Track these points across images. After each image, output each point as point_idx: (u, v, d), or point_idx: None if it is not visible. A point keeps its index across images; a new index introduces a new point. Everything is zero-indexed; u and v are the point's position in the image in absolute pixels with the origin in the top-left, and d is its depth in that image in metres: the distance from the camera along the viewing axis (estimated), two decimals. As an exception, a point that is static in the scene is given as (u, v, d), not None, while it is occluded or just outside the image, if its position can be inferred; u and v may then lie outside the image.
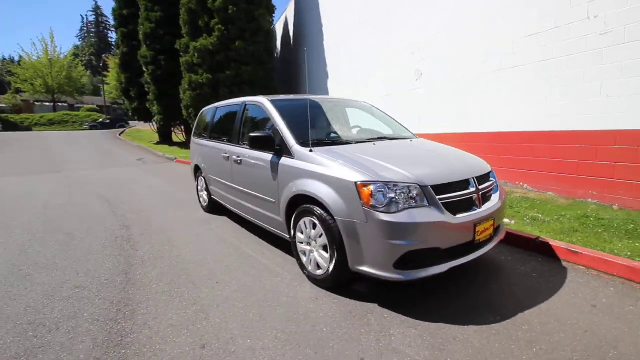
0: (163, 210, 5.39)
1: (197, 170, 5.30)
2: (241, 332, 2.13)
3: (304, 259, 2.81)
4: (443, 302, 2.39)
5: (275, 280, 2.84)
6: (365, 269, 2.29)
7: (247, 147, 3.53)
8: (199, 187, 5.28)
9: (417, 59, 7.13)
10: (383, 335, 2.05)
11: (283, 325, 2.19)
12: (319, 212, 2.53)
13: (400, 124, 3.99)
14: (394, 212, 2.18)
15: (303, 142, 2.89)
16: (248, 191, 3.55)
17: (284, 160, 2.92)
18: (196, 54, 12.72)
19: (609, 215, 3.71)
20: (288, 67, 15.67)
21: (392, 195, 2.22)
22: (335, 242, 2.41)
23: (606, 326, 2.07)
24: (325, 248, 2.55)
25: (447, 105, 6.37)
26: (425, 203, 2.24)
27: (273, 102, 3.40)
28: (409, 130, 3.86)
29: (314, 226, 2.62)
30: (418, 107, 7.20)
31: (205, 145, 4.78)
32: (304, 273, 2.83)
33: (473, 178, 2.52)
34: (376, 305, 2.39)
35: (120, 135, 25.79)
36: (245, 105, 3.80)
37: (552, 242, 3.07)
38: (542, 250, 3.11)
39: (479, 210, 2.43)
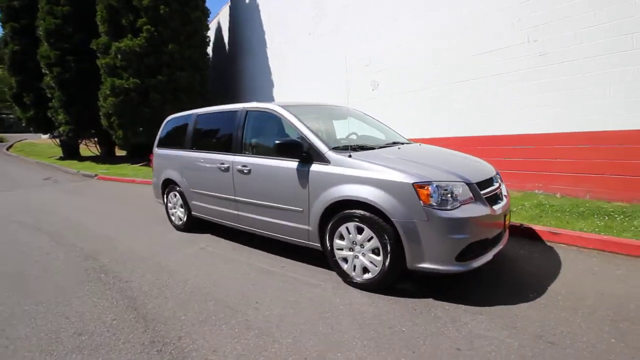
0: (124, 233, 4.66)
1: (167, 185, 4.73)
2: (325, 348, 2.02)
3: (345, 266, 2.78)
4: (485, 288, 2.64)
5: (317, 291, 2.74)
6: (425, 265, 2.40)
7: (261, 155, 3.34)
8: (171, 204, 4.72)
9: (373, 70, 7.64)
10: (459, 325, 2.18)
11: (361, 333, 2.14)
12: (368, 215, 2.55)
13: (393, 129, 4.25)
14: (451, 209, 2.35)
15: (336, 148, 2.88)
16: (260, 202, 3.34)
17: (316, 167, 2.86)
18: (119, 56, 11.33)
19: (557, 202, 4.56)
20: (223, 74, 15.04)
21: (446, 193, 2.39)
22: (390, 244, 2.47)
23: (615, 287, 2.55)
24: (375, 251, 2.58)
25: (404, 113, 6.95)
26: (473, 199, 2.47)
27: (286, 108, 3.29)
28: (402, 135, 4.13)
29: (360, 230, 2.63)
30: (375, 116, 7.69)
31: (183, 156, 4.31)
32: (346, 280, 2.79)
33: (494, 175, 2.87)
34: (430, 299, 2.51)
35: (8, 150, 21.09)
36: (247, 112, 3.58)
37: (535, 227, 3.65)
38: (527, 234, 3.67)
39: (502, 203, 2.77)
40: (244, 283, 2.96)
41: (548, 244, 3.50)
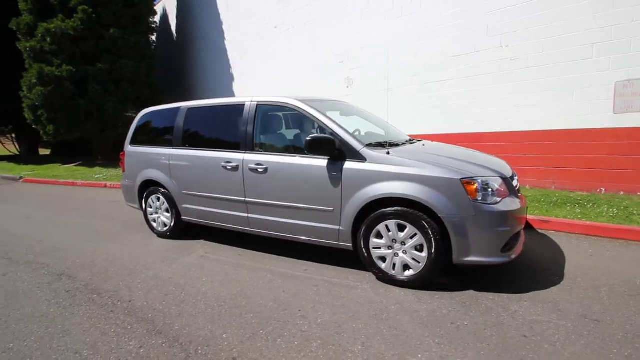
0: (93, 244, 4.04)
1: (147, 187, 4.18)
2: (401, 350, 1.95)
3: (383, 265, 2.73)
4: (510, 277, 2.79)
5: (357, 292, 2.65)
6: (472, 258, 2.46)
7: (278, 153, 3.12)
8: (152, 209, 4.18)
9: (347, 67, 7.67)
10: (512, 313, 2.27)
11: (427, 332, 2.11)
12: (411, 212, 2.53)
13: (393, 126, 4.30)
14: (495, 204, 2.44)
15: (370, 145, 2.81)
16: (278, 203, 3.11)
17: (351, 165, 2.75)
18: (48, 39, 9.74)
19: (530, 193, 5.06)
20: (171, 64, 13.86)
21: (488, 188, 2.48)
22: (435, 240, 2.48)
23: (614, 266, 2.90)
24: (418, 248, 2.58)
25: (380, 111, 7.11)
26: (508, 193, 2.60)
27: (306, 103, 3.11)
28: (401, 132, 4.20)
29: (402, 228, 2.61)
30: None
31: (172, 155, 3.84)
32: (385, 279, 2.74)
33: (513, 172, 3.07)
34: (471, 291, 2.59)
35: None
36: (258, 105, 3.30)
37: (527, 216, 4.01)
38: (519, 223, 4.02)
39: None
40: (274, 291, 2.73)
41: (540, 231, 3.87)
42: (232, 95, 11.25)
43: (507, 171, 2.79)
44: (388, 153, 2.70)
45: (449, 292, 2.58)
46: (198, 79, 12.76)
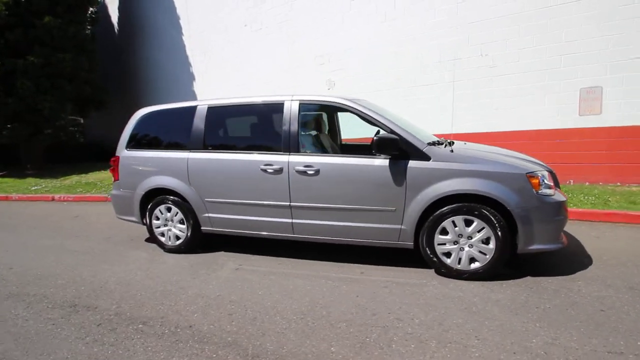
0: (85, 267, 3.49)
1: (152, 197, 3.68)
2: (518, 338, 2.01)
3: (448, 260, 2.79)
4: (549, 260, 3.07)
5: (430, 289, 2.66)
6: (535, 246, 2.65)
7: (329, 154, 3.00)
8: (160, 221, 3.68)
9: (328, 69, 7.69)
10: (577, 292, 2.50)
11: (523, 318, 2.21)
12: (478, 207, 2.65)
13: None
14: (552, 195, 2.68)
15: (431, 143, 2.86)
16: (333, 206, 2.99)
17: (415, 164, 2.76)
18: (-40, 24, 7.99)
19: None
20: (111, 59, 12.40)
21: (547, 181, 2.71)
22: (502, 232, 2.63)
23: (622, 245, 3.37)
24: (484, 241, 2.70)
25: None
26: (554, 186, 2.87)
27: (356, 102, 3.06)
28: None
29: (468, 223, 2.71)
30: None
31: (192, 159, 3.43)
32: (449, 274, 2.80)
33: None
34: (529, 277, 2.78)
35: None
36: (300, 104, 3.13)
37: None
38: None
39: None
40: (347, 297, 2.62)
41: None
42: (192, 96, 10.50)
43: (548, 167, 3.09)
44: (452, 151, 2.79)
45: (511, 281, 2.75)
46: (148, 77, 11.63)
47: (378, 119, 2.94)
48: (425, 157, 2.78)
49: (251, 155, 3.24)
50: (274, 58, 8.57)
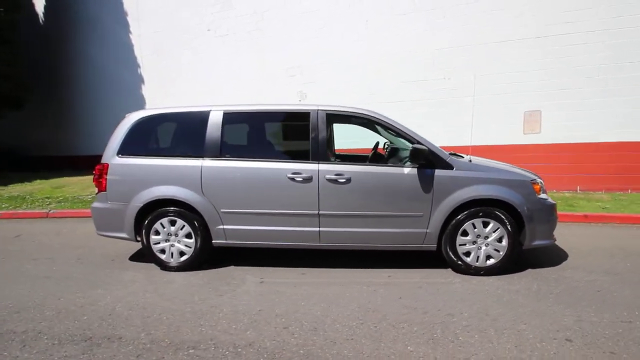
0: (74, 295, 3.00)
1: (152, 210, 3.31)
2: (552, 319, 2.34)
3: (468, 259, 3.10)
4: (536, 256, 3.61)
5: (457, 286, 2.93)
6: (537, 242, 3.11)
7: (357, 162, 3.10)
8: (160, 236, 3.31)
9: (300, 81, 7.81)
10: (571, 278, 3.00)
11: (548, 303, 2.59)
12: (493, 209, 3.02)
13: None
14: (548, 199, 3.19)
15: (451, 154, 3.16)
16: (363, 213, 3.09)
17: (441, 172, 3.04)
18: None
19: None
20: (38, 53, 10.71)
21: (544, 187, 3.21)
22: (513, 231, 3.03)
23: (585, 239, 4.09)
24: (500, 239, 3.07)
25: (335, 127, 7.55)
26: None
27: (381, 115, 3.23)
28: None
29: (485, 224, 3.05)
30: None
31: (207, 167, 3.19)
32: (468, 271, 3.10)
33: None
34: (529, 269, 3.23)
35: None
36: (327, 114, 3.19)
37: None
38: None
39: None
40: (390, 299, 2.71)
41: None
42: (142, 101, 9.65)
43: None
44: (470, 161, 3.14)
45: (518, 274, 3.16)
46: (85, 78, 10.31)
47: (405, 131, 3.17)
48: (449, 167, 3.08)
49: (276, 163, 3.18)
50: (241, 66, 8.38)
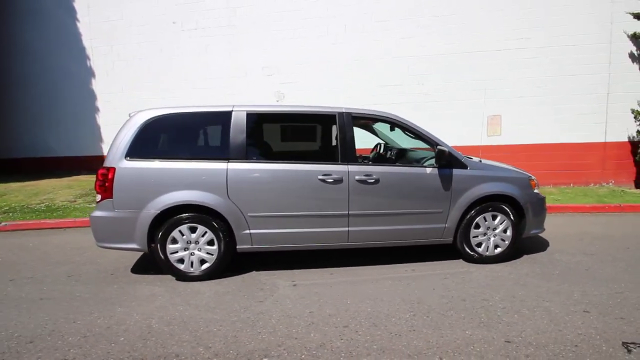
0: (93, 312, 2.73)
1: (167, 217, 3.08)
2: (566, 294, 2.74)
3: (480, 249, 3.44)
4: (531, 245, 4.09)
5: (476, 274, 3.24)
6: (533, 231, 3.57)
7: (384, 163, 3.23)
8: (179, 245, 3.10)
9: (277, 81, 7.73)
10: (562, 261, 3.50)
11: (556, 282, 3.00)
12: (500, 204, 3.40)
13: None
14: (539, 193, 3.66)
15: (465, 155, 3.46)
16: (389, 211, 3.25)
17: (458, 172, 3.32)
18: None
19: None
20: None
21: (538, 183, 3.68)
22: (516, 222, 3.45)
23: (564, 227, 4.73)
24: (505, 230, 3.46)
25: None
26: (535, 186, 3.91)
27: (401, 117, 3.42)
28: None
29: (494, 217, 3.42)
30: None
31: (233, 170, 3.06)
32: (480, 260, 3.44)
33: None
34: (524, 255, 3.68)
35: None
36: (353, 117, 3.27)
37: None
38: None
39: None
40: (426, 291, 2.91)
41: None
42: (93, 96, 8.72)
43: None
44: (480, 161, 3.48)
45: (519, 260, 3.59)
46: (25, 71, 8.90)
47: (425, 133, 3.41)
48: (464, 166, 3.39)
49: (306, 165, 3.18)
50: (211, 63, 8.01)
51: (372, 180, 3.23)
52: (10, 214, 5.61)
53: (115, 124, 8.68)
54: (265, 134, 3.36)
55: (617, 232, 4.59)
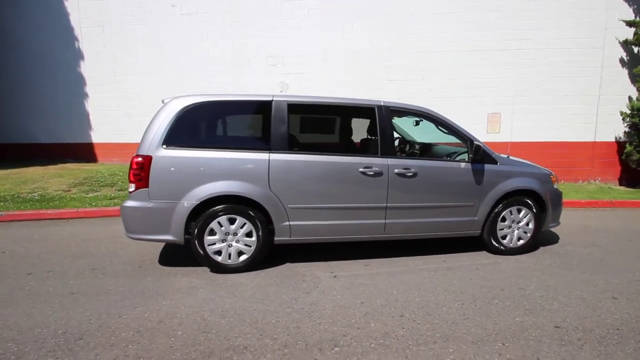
0: (135, 306, 2.66)
1: (205, 209, 3.00)
2: (588, 282, 2.94)
3: (505, 241, 3.60)
4: (544, 238, 4.34)
5: (504, 265, 3.39)
6: (551, 225, 3.78)
7: (420, 157, 3.30)
8: (217, 236, 3.03)
9: (282, 72, 7.60)
10: (572, 251, 3.74)
11: (573, 271, 3.21)
12: (524, 198, 3.57)
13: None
14: (557, 188, 3.87)
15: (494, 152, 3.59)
16: (426, 204, 3.32)
17: (489, 167, 3.45)
18: None
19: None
20: None
21: (557, 179, 3.88)
22: (538, 215, 3.63)
23: (600, 223, 5.01)
24: (528, 223, 3.63)
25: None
26: (551, 182, 4.11)
27: (436, 112, 3.48)
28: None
29: (519, 211, 3.58)
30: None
31: (274, 161, 3.01)
32: (505, 251, 3.61)
33: None
34: (541, 247, 3.90)
35: None
36: (390, 110, 3.30)
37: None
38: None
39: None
40: (464, 281, 3.02)
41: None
42: (82, 80, 8.23)
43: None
44: (508, 157, 3.62)
45: (538, 251, 3.79)
46: (4, 52, 8.16)
47: (459, 128, 3.51)
48: (494, 162, 3.52)
49: (348, 157, 3.19)
50: (211, 50, 7.74)
51: (410, 174, 3.28)
52: (2, 203, 5.22)
53: (106, 109, 8.37)
54: (305, 125, 3.33)
55: (614, 225, 4.95)
